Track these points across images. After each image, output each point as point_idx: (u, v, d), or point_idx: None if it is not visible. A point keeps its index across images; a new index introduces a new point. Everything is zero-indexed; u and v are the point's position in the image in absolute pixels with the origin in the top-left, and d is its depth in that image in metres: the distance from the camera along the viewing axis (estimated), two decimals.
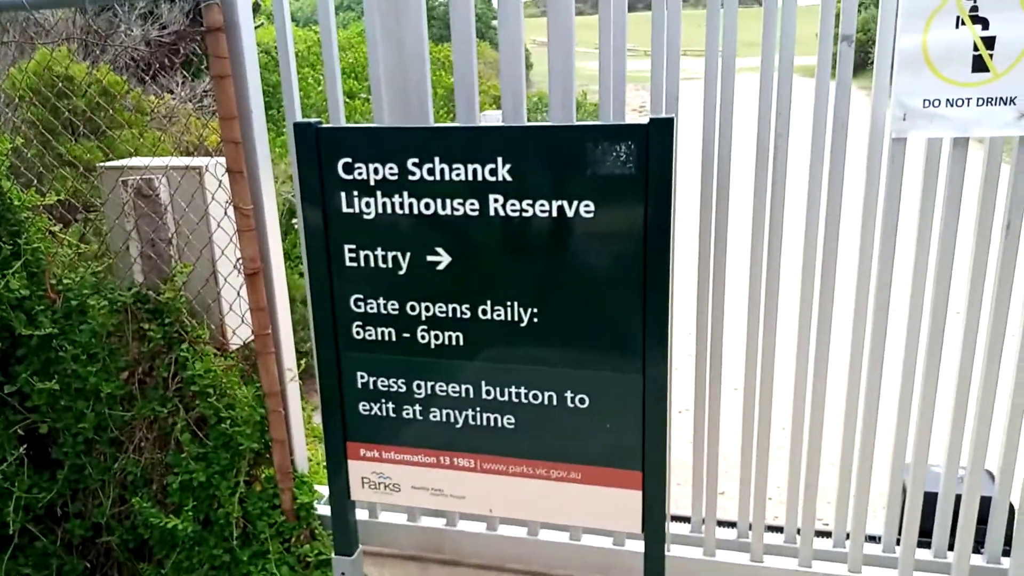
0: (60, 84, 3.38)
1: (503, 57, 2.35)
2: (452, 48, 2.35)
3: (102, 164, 2.79)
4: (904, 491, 2.42)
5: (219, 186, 2.67)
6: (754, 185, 2.25)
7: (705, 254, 2.32)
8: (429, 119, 2.46)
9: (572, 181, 1.92)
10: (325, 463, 2.97)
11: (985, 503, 2.36)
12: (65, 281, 2.71)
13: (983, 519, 2.38)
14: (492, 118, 3.61)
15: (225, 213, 2.68)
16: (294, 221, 5.24)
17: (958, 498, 2.38)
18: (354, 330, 2.15)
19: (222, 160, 2.63)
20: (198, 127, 3.82)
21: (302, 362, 2.84)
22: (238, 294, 2.74)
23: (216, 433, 2.63)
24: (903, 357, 2.29)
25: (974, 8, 1.95)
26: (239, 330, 2.78)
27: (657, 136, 1.85)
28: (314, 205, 2.09)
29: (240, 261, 2.64)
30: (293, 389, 2.78)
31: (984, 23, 1.95)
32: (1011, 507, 2.39)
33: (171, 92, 4.57)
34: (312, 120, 2.07)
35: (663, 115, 1.92)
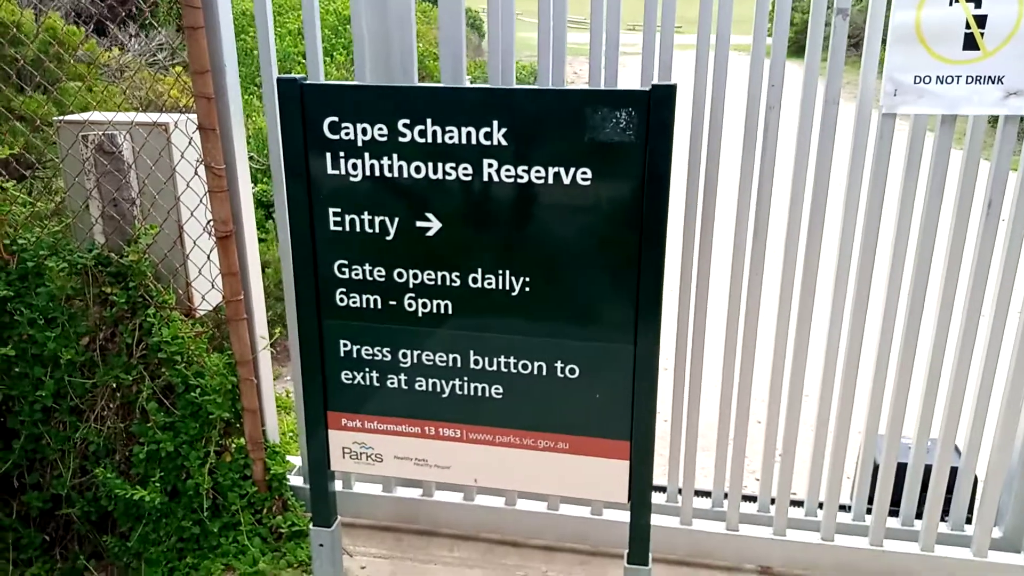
0: (12, 31, 3.18)
1: (491, 22, 2.28)
2: (439, 6, 2.28)
3: (59, 118, 2.64)
4: (875, 463, 2.48)
5: (188, 144, 2.55)
6: (742, 159, 2.25)
7: (691, 226, 2.31)
8: (414, 81, 2.38)
9: (570, 147, 1.88)
10: (298, 434, 2.91)
11: (952, 474, 2.44)
12: (20, 241, 2.56)
13: (949, 489, 2.45)
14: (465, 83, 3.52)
15: (195, 173, 2.56)
16: (253, 188, 5.08)
17: (925, 469, 2.45)
18: (338, 297, 2.08)
19: (192, 117, 2.52)
20: (165, 83, 3.65)
21: (276, 331, 2.76)
22: (208, 258, 2.63)
23: (184, 402, 2.54)
24: (880, 332, 2.33)
25: None
26: (208, 295, 2.68)
27: (659, 103, 1.82)
28: (297, 167, 2.01)
29: (211, 223, 2.53)
30: (265, 358, 2.70)
31: (977, 1, 1.97)
32: (975, 479, 2.47)
33: (122, 47, 4.36)
34: (296, 76, 1.99)
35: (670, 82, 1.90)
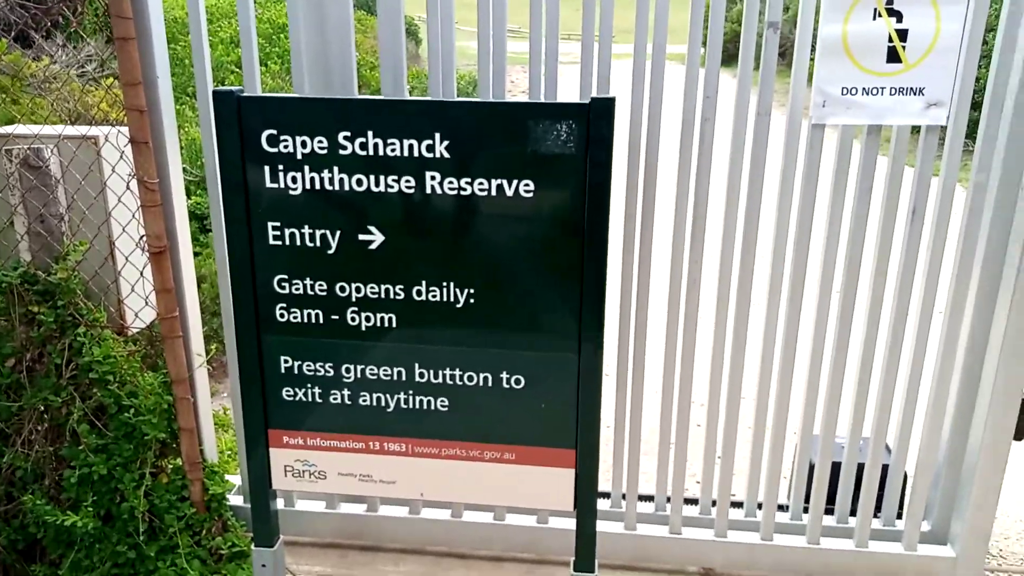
0: None
1: (431, 32, 2.28)
2: (378, 16, 2.27)
3: None
4: (811, 463, 2.55)
5: (120, 157, 2.48)
6: (678, 168, 2.29)
7: (631, 235, 2.35)
8: (354, 93, 2.37)
9: (511, 160, 1.89)
10: (237, 452, 2.84)
11: (883, 472, 2.52)
12: None
13: (881, 486, 2.54)
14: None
15: (127, 187, 2.49)
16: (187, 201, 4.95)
17: (858, 468, 2.53)
18: (278, 312, 2.05)
19: (123, 129, 2.45)
20: (95, 95, 3.53)
21: (212, 347, 2.70)
22: (141, 274, 2.56)
23: (117, 423, 2.46)
24: (813, 335, 2.40)
25: (889, 1, 2.05)
26: (142, 312, 2.60)
27: (598, 116, 1.85)
28: (234, 180, 1.97)
29: (144, 239, 2.46)
30: (202, 375, 2.64)
31: (899, 16, 2.05)
32: (904, 475, 2.56)
33: (50, 56, 4.20)
34: (233, 88, 1.95)
35: (608, 95, 1.93)
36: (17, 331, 2.48)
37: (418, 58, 19.73)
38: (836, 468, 2.56)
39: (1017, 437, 2.34)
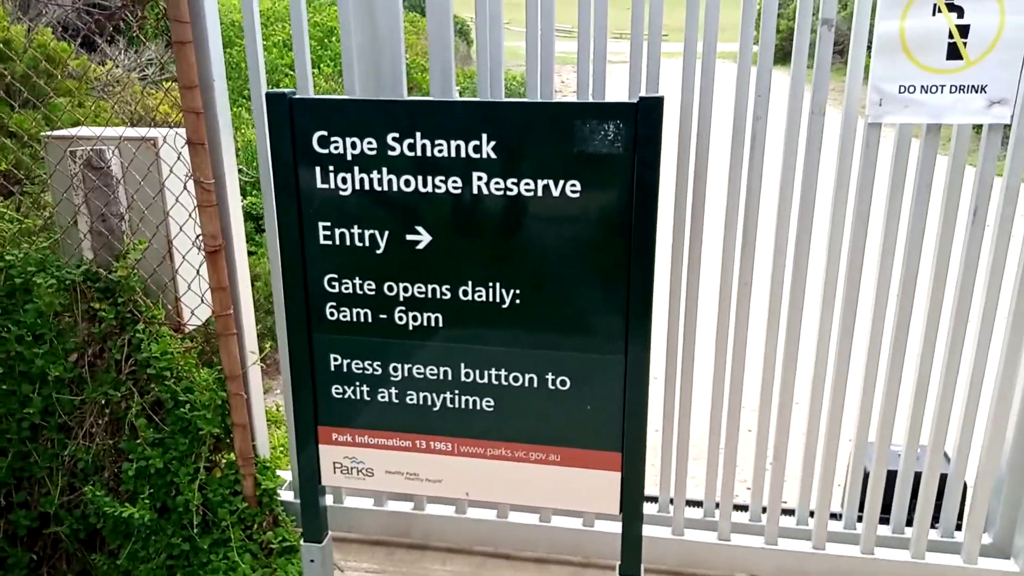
0: (1, 48, 3.17)
1: (479, 32, 2.29)
2: (427, 18, 2.28)
3: (48, 134, 2.63)
4: (865, 470, 2.49)
5: (177, 158, 2.55)
6: (730, 169, 2.26)
7: (680, 236, 2.32)
8: (403, 94, 2.39)
9: (558, 160, 1.89)
10: (288, 448, 2.90)
11: (941, 481, 2.44)
12: (8, 258, 2.55)
13: (939, 496, 2.46)
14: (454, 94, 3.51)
15: (184, 187, 2.56)
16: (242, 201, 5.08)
17: (915, 477, 2.45)
18: (328, 311, 2.08)
19: (180, 131, 2.51)
20: (154, 98, 3.65)
21: (266, 344, 2.75)
22: (197, 272, 2.63)
23: (174, 418, 2.53)
24: (869, 340, 2.34)
25: None
26: (197, 310, 2.67)
27: (646, 115, 1.83)
28: (286, 181, 2.01)
29: (200, 238, 2.52)
30: (255, 372, 2.69)
31: (959, 11, 1.99)
32: (964, 485, 2.48)
33: (113, 60, 4.35)
34: (285, 90, 1.99)
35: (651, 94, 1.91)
36: (80, 327, 2.56)
37: (470, 59, 19.85)
38: (892, 476, 2.49)
39: None
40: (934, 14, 2.00)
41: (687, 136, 2.24)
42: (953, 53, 2.02)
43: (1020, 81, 2.02)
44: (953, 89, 2.05)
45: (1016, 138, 2.09)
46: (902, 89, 2.07)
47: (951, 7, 1.99)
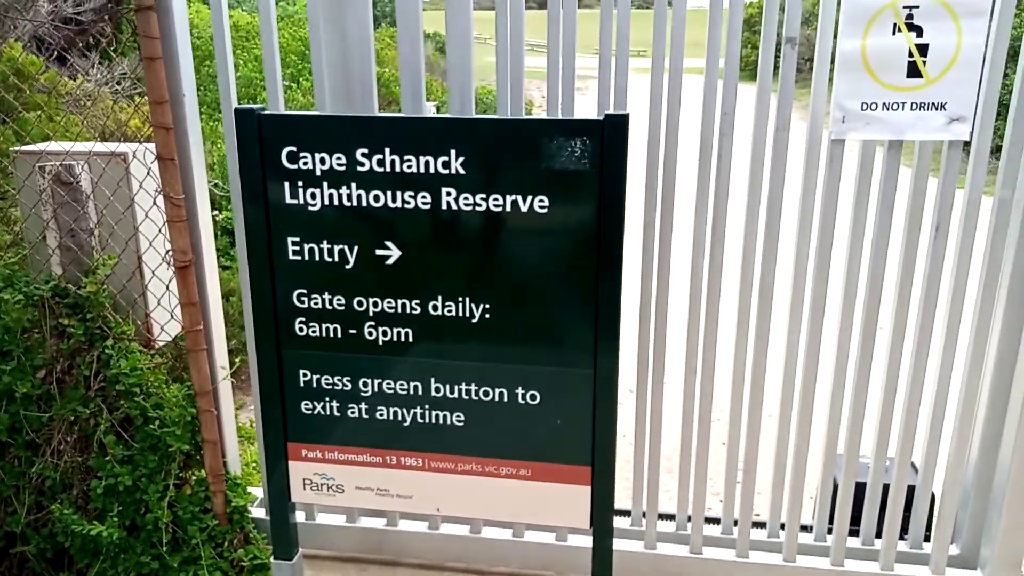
0: None
1: (450, 47, 2.30)
2: (398, 34, 2.30)
3: (16, 148, 2.61)
4: (835, 482, 2.51)
5: (147, 174, 2.54)
6: (697, 184, 2.28)
7: (649, 250, 2.34)
8: (374, 110, 2.40)
9: (526, 175, 1.90)
10: (259, 465, 2.87)
11: (909, 493, 2.47)
12: None
13: (907, 508, 2.48)
14: (427, 109, 3.53)
15: (154, 202, 2.55)
16: (213, 212, 5.04)
17: (884, 488, 2.48)
18: (297, 326, 2.07)
19: (150, 146, 2.50)
20: (126, 112, 3.63)
21: (236, 360, 2.73)
22: (167, 288, 2.61)
23: (143, 434, 2.50)
24: (836, 353, 2.37)
25: (909, 16, 2.02)
26: (168, 326, 2.65)
27: (612, 132, 1.85)
28: (255, 196, 2.01)
29: (170, 253, 2.51)
30: (225, 388, 2.68)
31: (919, 31, 2.03)
32: (932, 496, 2.51)
33: (86, 74, 4.33)
34: (254, 106, 1.99)
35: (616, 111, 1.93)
36: (48, 343, 2.54)
37: (446, 72, 19.90)
38: (861, 488, 2.51)
39: None
40: (894, 33, 2.04)
41: (656, 151, 2.26)
42: (913, 71, 2.06)
43: (979, 99, 2.07)
44: (914, 106, 2.09)
45: (976, 154, 2.13)
46: (864, 106, 2.10)
47: (911, 27, 2.03)
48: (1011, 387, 2.31)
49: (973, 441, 2.40)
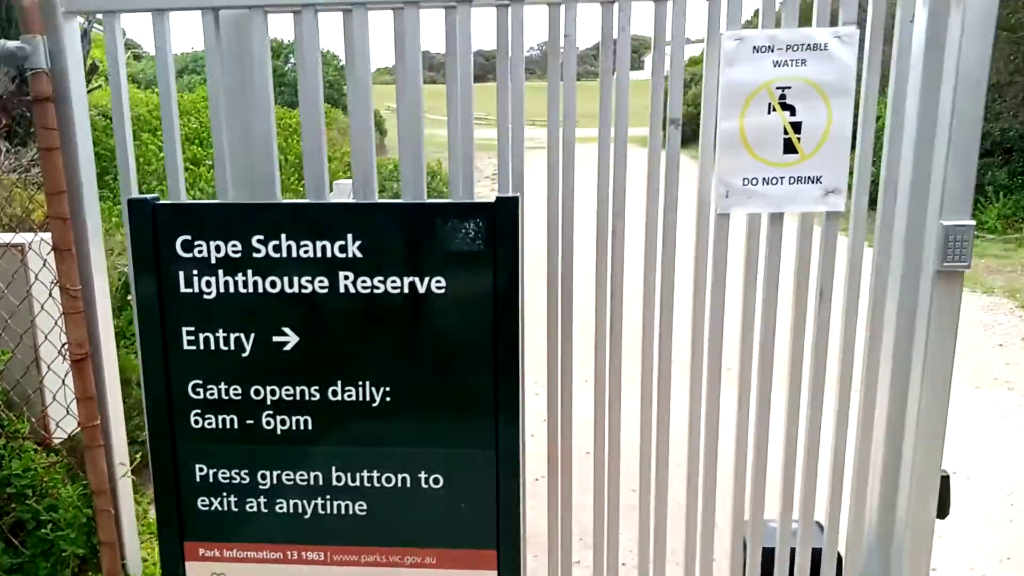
0: None
1: (353, 128, 2.31)
2: (301, 122, 2.31)
3: None
4: (744, 546, 2.53)
5: (43, 265, 2.48)
6: (596, 262, 2.34)
7: (553, 322, 2.37)
8: (276, 195, 2.40)
9: (423, 257, 1.93)
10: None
11: (816, 554, 2.51)
12: None
13: (816, 569, 2.51)
14: (344, 188, 3.54)
15: (50, 294, 2.48)
16: (130, 297, 4.91)
17: (792, 551, 2.51)
18: (192, 419, 2.02)
19: (47, 236, 2.45)
20: (22, 199, 3.55)
21: (137, 455, 2.64)
22: (63, 382, 2.52)
23: (34, 540, 2.38)
24: (736, 418, 2.42)
25: (782, 96, 2.16)
26: (63, 422, 2.55)
27: (503, 213, 1.90)
28: (149, 286, 1.99)
29: (66, 346, 2.43)
30: (125, 485, 2.57)
31: (792, 110, 2.16)
32: (839, 556, 2.55)
33: None
34: (148, 196, 1.98)
35: (509, 193, 1.99)
36: None
37: (385, 148, 20.11)
38: (769, 553, 2.53)
39: (940, 515, 2.35)
40: (769, 112, 2.17)
41: (556, 229, 2.31)
42: (789, 148, 2.19)
43: (857, 171, 2.20)
44: (791, 180, 2.20)
45: (855, 223, 2.26)
46: (746, 182, 2.21)
47: (784, 106, 2.16)
48: (902, 446, 2.39)
49: (870, 500, 2.46)
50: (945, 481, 2.39)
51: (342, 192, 3.24)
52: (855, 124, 2.20)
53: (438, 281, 1.93)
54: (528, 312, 2.14)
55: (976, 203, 11.18)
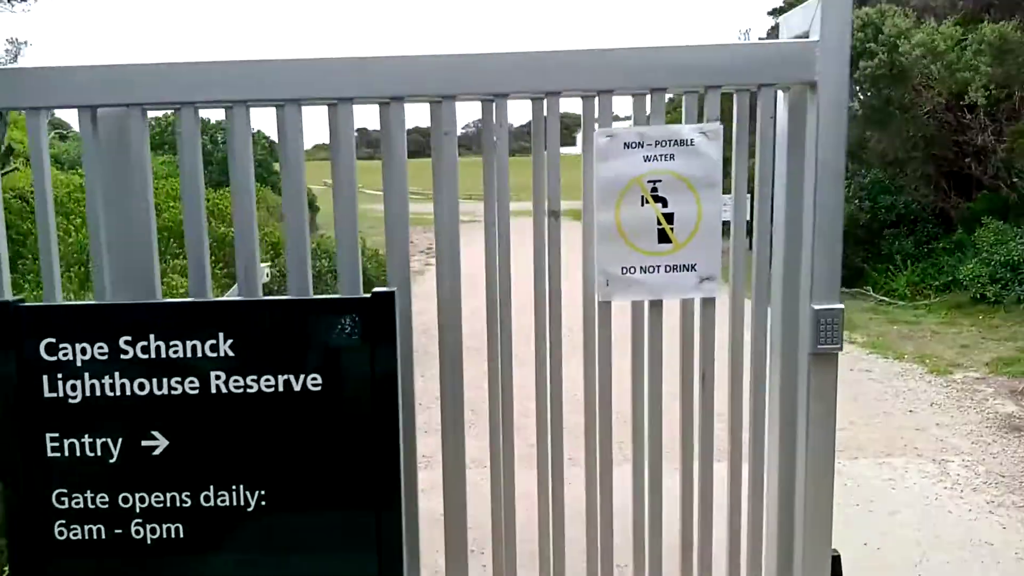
0: None
1: (288, 217, 2.24)
2: (232, 210, 2.22)
3: None
4: None
5: None
6: (487, 347, 2.35)
7: (448, 424, 2.35)
8: (156, 294, 2.35)
9: (298, 355, 1.91)
10: None
11: None
12: None
13: None
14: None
15: None
16: None
17: None
18: (56, 530, 1.93)
19: None
20: None
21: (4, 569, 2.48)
22: None
23: None
24: (632, 507, 2.42)
25: (654, 189, 2.24)
26: None
27: (379, 308, 1.91)
28: (7, 392, 1.91)
29: None
30: None
31: (664, 202, 2.24)
32: None
33: None
34: (10, 299, 1.92)
35: (388, 288, 1.99)
36: None
37: (317, 225, 20.02)
38: None
39: None
40: (643, 204, 2.25)
41: (444, 315, 2.31)
42: (663, 237, 2.26)
43: (732, 259, 2.28)
44: (667, 269, 2.27)
45: (733, 307, 2.33)
46: (624, 271, 2.27)
47: (656, 198, 2.25)
48: (793, 527, 2.42)
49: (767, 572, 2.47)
50: (836, 561, 2.42)
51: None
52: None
53: (314, 378, 1.91)
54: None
55: (886, 272, 11.76)
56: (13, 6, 11.49)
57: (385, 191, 2.24)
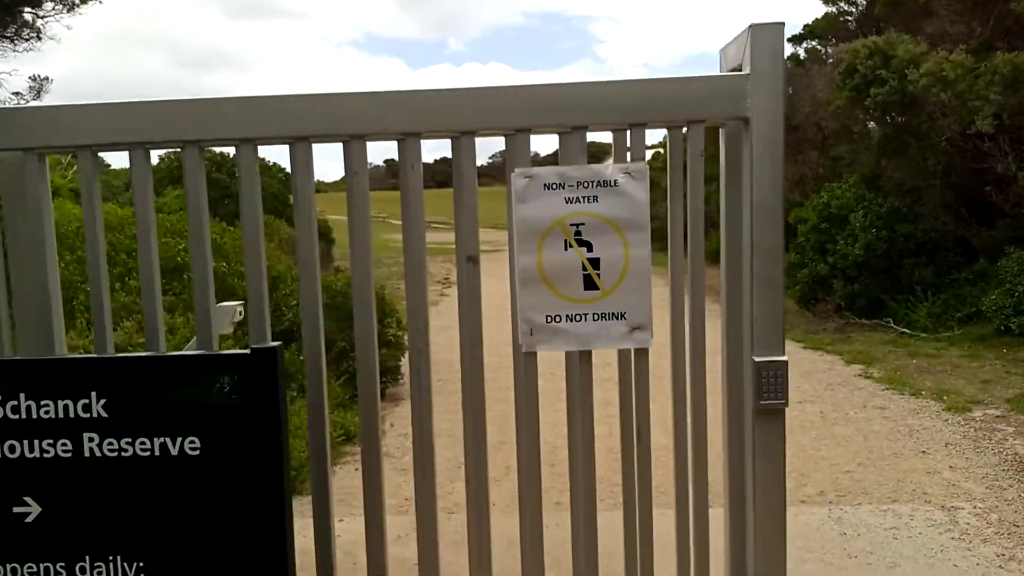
0: None
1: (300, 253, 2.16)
2: (244, 247, 2.14)
3: None
4: None
5: None
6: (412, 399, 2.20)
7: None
8: (59, 349, 2.22)
9: (174, 416, 1.77)
10: None
11: None
12: None
13: None
14: (227, 311, 3.30)
15: None
16: None
17: None
18: None
19: None
20: None
21: None
22: None
23: None
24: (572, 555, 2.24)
25: (578, 232, 2.08)
26: None
27: (260, 365, 1.76)
28: None
29: None
30: None
31: (588, 245, 2.08)
32: None
33: None
34: None
35: (268, 344, 1.85)
36: None
37: (333, 257, 20.09)
38: None
39: None
40: (566, 249, 2.09)
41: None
42: (589, 284, 2.10)
43: (671, 306, 2.10)
44: (596, 317, 2.10)
45: (674, 359, 2.15)
46: (549, 319, 2.11)
47: (580, 242, 2.09)
48: None
49: None
50: None
51: (224, 315, 3.07)
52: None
53: (191, 441, 1.77)
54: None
55: (906, 302, 11.40)
56: (17, 46, 11.68)
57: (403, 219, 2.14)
